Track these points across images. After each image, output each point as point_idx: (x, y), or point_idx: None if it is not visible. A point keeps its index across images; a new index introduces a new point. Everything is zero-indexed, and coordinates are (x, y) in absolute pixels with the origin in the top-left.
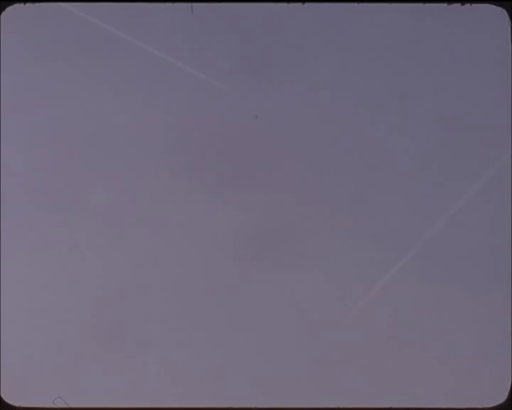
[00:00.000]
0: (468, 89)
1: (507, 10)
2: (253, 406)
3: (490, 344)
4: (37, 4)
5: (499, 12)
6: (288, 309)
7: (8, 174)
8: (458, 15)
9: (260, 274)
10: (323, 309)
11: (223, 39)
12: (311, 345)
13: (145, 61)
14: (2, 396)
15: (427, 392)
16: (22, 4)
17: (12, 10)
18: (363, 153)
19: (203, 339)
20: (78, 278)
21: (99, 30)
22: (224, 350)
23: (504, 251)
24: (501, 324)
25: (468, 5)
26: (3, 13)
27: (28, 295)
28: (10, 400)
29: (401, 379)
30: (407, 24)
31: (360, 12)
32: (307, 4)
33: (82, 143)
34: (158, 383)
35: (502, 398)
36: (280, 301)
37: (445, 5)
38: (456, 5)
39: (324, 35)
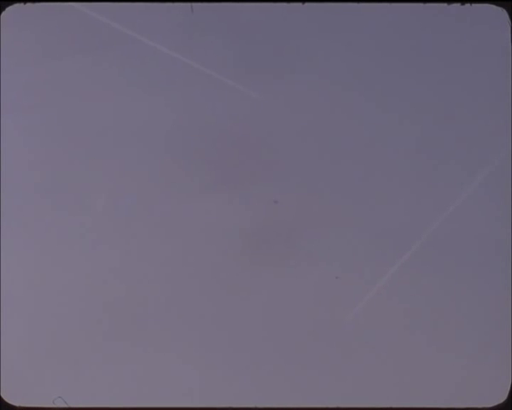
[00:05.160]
0: (468, 88)
1: (507, 10)
2: (252, 406)
3: (490, 344)
4: (37, 4)
5: (499, 12)
6: (288, 308)
7: (10, 173)
8: (458, 15)
9: (264, 273)
10: (324, 308)
11: (222, 39)
12: (312, 345)
13: (145, 61)
14: (3, 396)
15: (427, 392)
16: (22, 4)
17: (12, 10)
18: (366, 150)
19: (203, 339)
20: (79, 277)
21: (100, 29)
22: (225, 349)
23: (505, 248)
24: (501, 323)
25: (468, 5)
26: (3, 13)
27: (28, 295)
28: (10, 400)
29: (401, 379)
30: (407, 24)
31: (360, 12)
32: (307, 4)
33: (86, 143)
34: (158, 382)
35: (502, 398)
36: (281, 301)
37: (445, 5)
38: (456, 5)
39: (324, 35)
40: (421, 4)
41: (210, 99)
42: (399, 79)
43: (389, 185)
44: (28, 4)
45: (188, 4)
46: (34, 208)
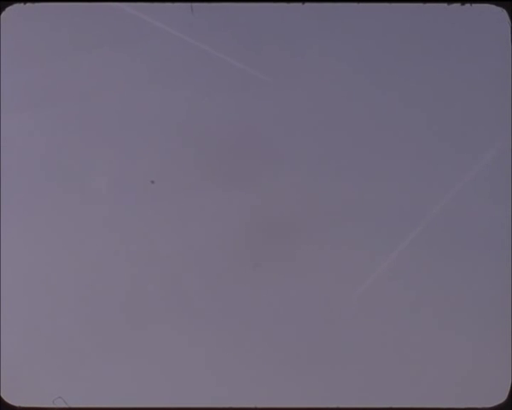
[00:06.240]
0: (468, 89)
1: (507, 10)
2: (252, 406)
3: (490, 344)
4: (37, 4)
5: (499, 12)
6: (288, 308)
7: (10, 172)
8: (458, 15)
9: (261, 273)
10: (324, 307)
11: (222, 40)
12: (312, 344)
13: (145, 60)
14: (3, 396)
15: (428, 392)
16: (22, 4)
17: (12, 10)
18: (365, 148)
19: (203, 339)
20: (79, 277)
21: (100, 28)
22: (224, 350)
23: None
24: (501, 323)
25: (468, 5)
26: (3, 13)
27: (28, 295)
28: (10, 400)
29: (401, 379)
30: (407, 24)
31: (360, 12)
32: (307, 4)
33: (87, 140)
34: (158, 383)
35: (502, 398)
36: (281, 300)
37: (445, 5)
38: (456, 5)
39: (324, 35)
40: (421, 4)
41: (212, 98)
42: (399, 78)
43: (393, 176)
44: (28, 4)
45: (188, 4)
46: (34, 207)
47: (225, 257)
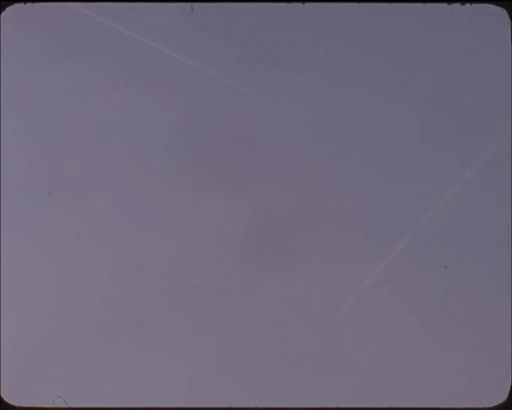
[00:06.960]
0: (468, 89)
1: (507, 10)
2: (252, 406)
3: (490, 344)
4: (37, 4)
5: (499, 12)
6: (288, 307)
7: (8, 174)
8: (458, 15)
9: (262, 273)
10: (323, 307)
11: (222, 39)
12: (312, 344)
13: (145, 60)
14: (3, 396)
15: (427, 392)
16: (22, 4)
17: (12, 10)
18: (364, 146)
19: (203, 339)
20: (79, 277)
21: (100, 29)
22: (224, 350)
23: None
24: (501, 323)
25: (468, 5)
26: (3, 13)
27: (28, 295)
28: (10, 400)
29: (401, 379)
30: (407, 24)
31: (360, 12)
32: (307, 4)
33: (84, 142)
34: (158, 382)
35: (502, 398)
36: (280, 300)
37: (445, 5)
38: (456, 5)
39: (324, 35)
40: (421, 4)
41: (209, 98)
42: (399, 79)
43: (388, 181)
44: (28, 4)
45: (188, 4)
46: (33, 208)
47: (223, 259)
